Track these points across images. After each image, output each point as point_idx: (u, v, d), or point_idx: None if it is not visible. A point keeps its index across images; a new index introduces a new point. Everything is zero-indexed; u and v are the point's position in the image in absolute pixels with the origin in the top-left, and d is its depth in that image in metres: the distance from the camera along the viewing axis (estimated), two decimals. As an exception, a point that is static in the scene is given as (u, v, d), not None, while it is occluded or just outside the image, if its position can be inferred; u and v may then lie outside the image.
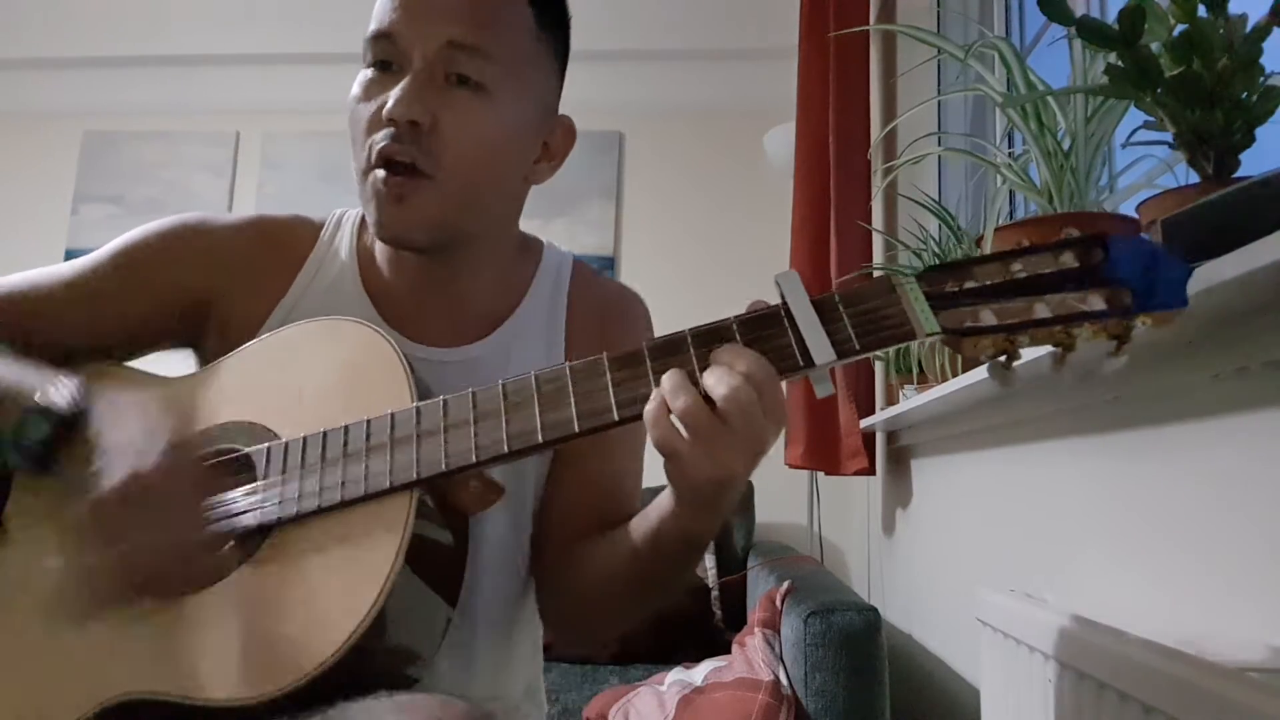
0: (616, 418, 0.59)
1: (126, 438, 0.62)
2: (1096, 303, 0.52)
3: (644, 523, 0.68)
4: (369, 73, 0.72)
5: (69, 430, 0.64)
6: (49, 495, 0.70)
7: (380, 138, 0.69)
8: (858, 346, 0.56)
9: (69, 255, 0.80)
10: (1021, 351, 0.56)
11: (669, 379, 0.56)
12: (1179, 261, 0.53)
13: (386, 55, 0.71)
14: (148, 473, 0.59)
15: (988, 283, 0.55)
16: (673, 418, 0.55)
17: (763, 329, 0.58)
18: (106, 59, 3.19)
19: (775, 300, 0.59)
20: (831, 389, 0.57)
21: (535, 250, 0.87)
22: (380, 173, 0.70)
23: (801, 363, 0.56)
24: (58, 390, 0.65)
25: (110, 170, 3.20)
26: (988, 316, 0.54)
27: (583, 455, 0.80)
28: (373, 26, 0.71)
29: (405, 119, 0.68)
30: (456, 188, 0.71)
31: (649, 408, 0.56)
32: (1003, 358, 0.55)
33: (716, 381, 0.55)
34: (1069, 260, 0.54)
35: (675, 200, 2.97)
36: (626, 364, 0.60)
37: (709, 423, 0.54)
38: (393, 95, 0.68)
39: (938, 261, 1.04)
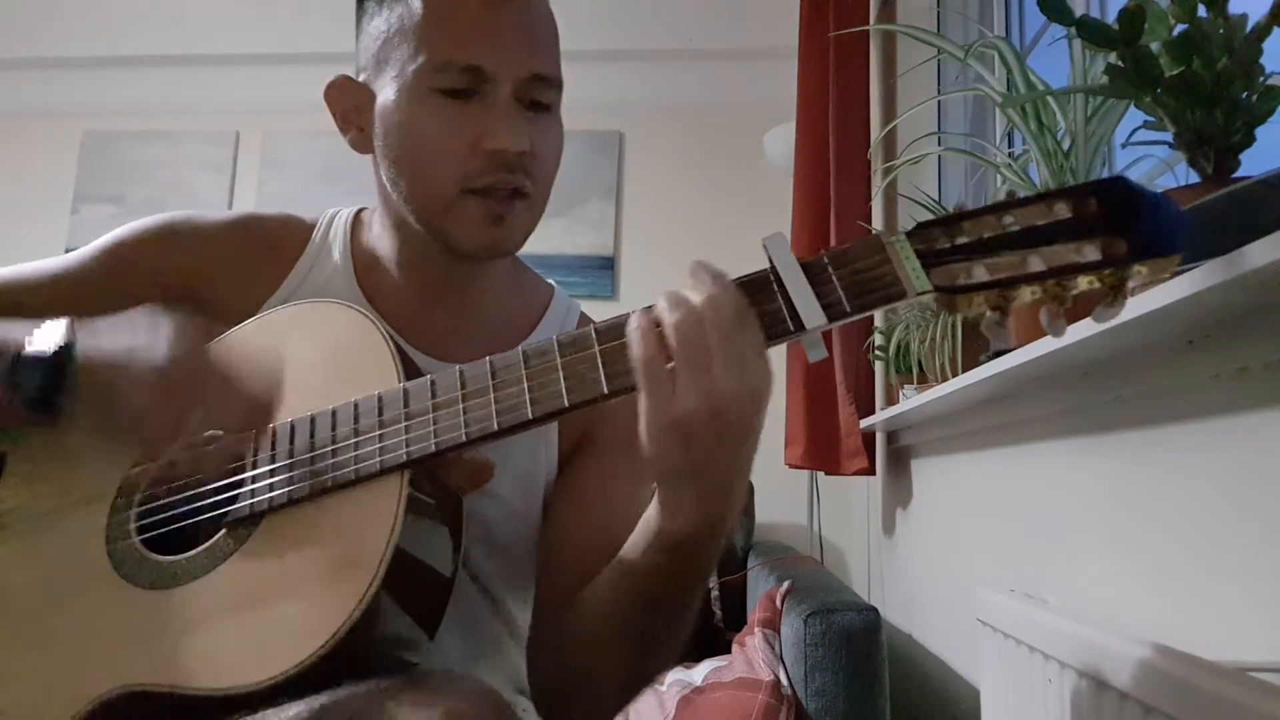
0: (606, 390, 0.58)
1: (133, 353, 0.61)
2: (1091, 253, 0.51)
3: (627, 545, 0.65)
4: (444, 100, 0.70)
5: (64, 370, 0.62)
6: (45, 477, 0.70)
7: (487, 168, 0.70)
8: (848, 308, 0.55)
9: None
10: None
11: (663, 296, 0.57)
12: (1172, 206, 0.51)
13: (468, 84, 0.70)
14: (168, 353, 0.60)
15: (979, 237, 0.53)
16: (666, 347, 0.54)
17: (751, 294, 0.57)
18: (106, 59, 3.19)
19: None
20: (824, 353, 0.56)
21: (546, 292, 0.87)
22: (477, 199, 0.71)
23: (792, 327, 0.56)
24: (42, 337, 0.63)
25: (110, 170, 3.21)
26: (980, 272, 0.53)
27: (584, 495, 0.78)
28: (452, 55, 0.69)
29: (518, 150, 0.70)
30: (542, 201, 0.75)
31: (640, 319, 0.56)
32: (996, 314, 0.54)
33: (692, 290, 0.56)
34: (1062, 211, 0.52)
35: (675, 200, 2.97)
36: (615, 335, 0.59)
37: (696, 336, 0.54)
38: (503, 129, 0.69)
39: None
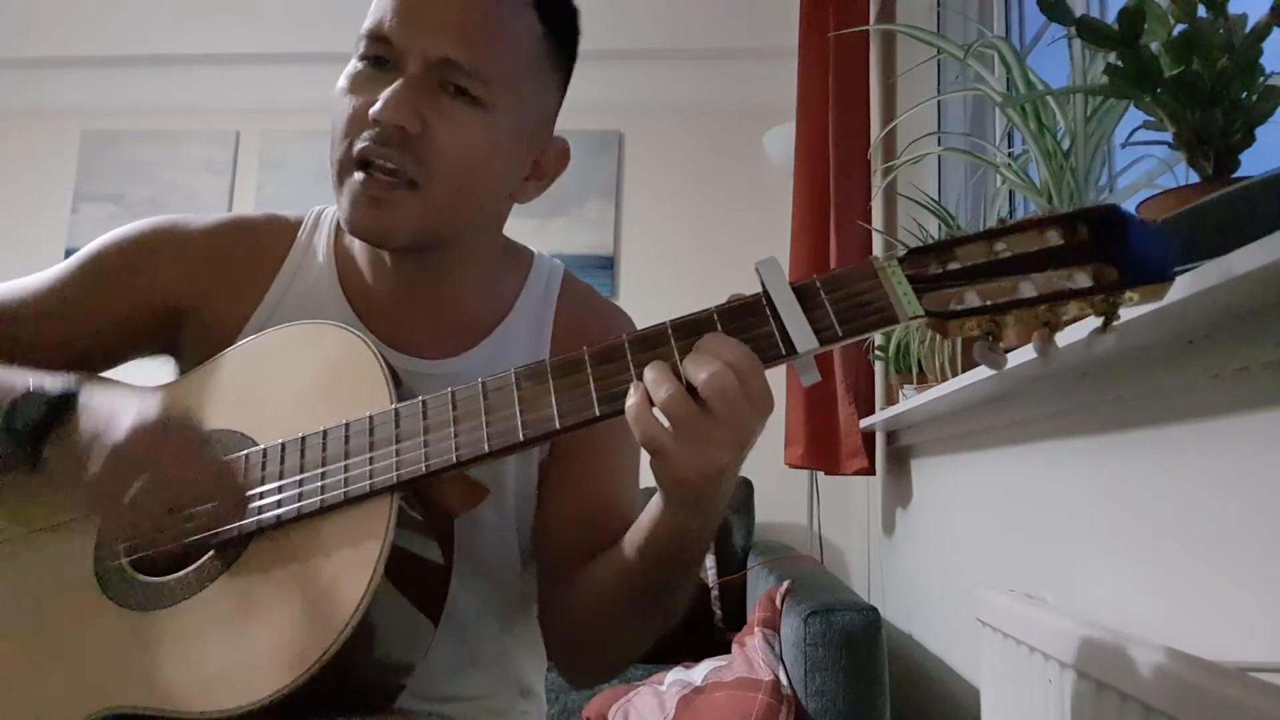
0: (598, 413, 0.58)
1: (123, 415, 0.61)
2: (1082, 280, 0.51)
3: (636, 531, 0.67)
4: (359, 65, 0.70)
5: (61, 417, 0.63)
6: (32, 502, 0.69)
7: (364, 138, 0.67)
8: (840, 333, 0.55)
9: (69, 255, 0.79)
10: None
11: (650, 371, 0.55)
12: (1163, 234, 0.52)
13: (380, 53, 0.69)
14: (153, 429, 0.59)
15: (971, 263, 0.54)
16: (656, 411, 0.54)
17: (744, 318, 0.57)
18: (106, 59, 3.19)
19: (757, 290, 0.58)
20: (817, 377, 0.57)
21: (525, 260, 0.84)
22: (359, 175, 0.68)
23: (784, 351, 0.56)
24: (48, 379, 0.64)
25: (110, 170, 3.20)
26: (972, 298, 0.53)
27: (576, 467, 0.78)
28: (370, 23, 0.69)
29: (393, 123, 0.66)
30: (440, 197, 0.69)
31: (631, 402, 0.55)
32: (989, 339, 0.54)
33: (697, 368, 0.54)
34: (1054, 238, 0.53)
35: (675, 200, 2.97)
36: (607, 358, 0.59)
37: (692, 414, 0.54)
38: (382, 96, 0.66)
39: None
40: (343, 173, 0.70)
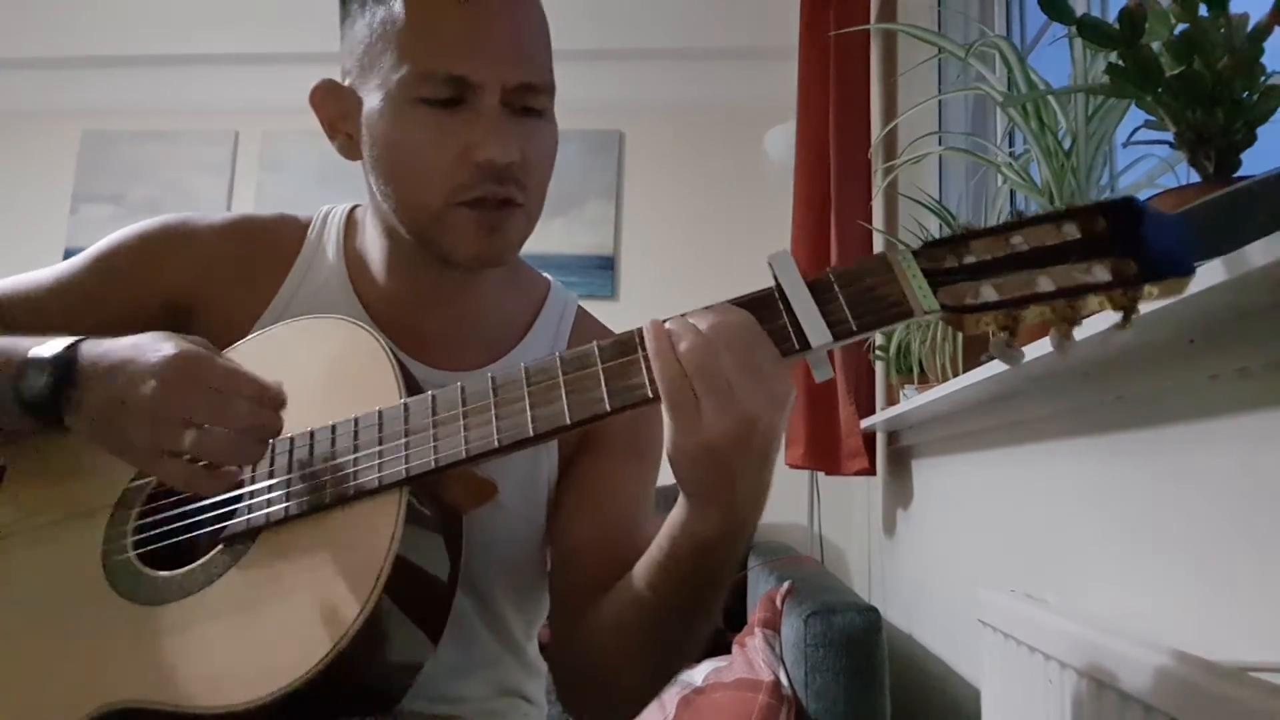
0: (608, 407, 0.57)
1: (134, 358, 0.60)
2: (1101, 274, 0.50)
3: (656, 546, 0.66)
4: (429, 110, 0.68)
5: (69, 379, 0.62)
6: (44, 489, 0.69)
7: (476, 181, 0.68)
8: (854, 327, 0.54)
9: (68, 255, 0.80)
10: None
11: (673, 322, 0.56)
12: (1182, 226, 0.51)
13: (453, 94, 0.68)
14: (174, 365, 0.59)
15: (988, 257, 0.53)
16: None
17: (756, 311, 0.57)
18: (106, 59, 3.19)
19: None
20: (831, 372, 0.56)
21: (542, 286, 0.86)
22: (469, 210, 0.69)
23: (797, 345, 0.55)
24: (43, 346, 0.64)
25: (110, 170, 3.21)
26: (988, 292, 0.52)
27: (593, 492, 0.78)
28: (436, 64, 0.67)
29: (507, 160, 0.68)
30: (535, 207, 0.74)
31: (654, 346, 0.55)
32: (1005, 334, 0.53)
33: (699, 319, 0.55)
34: (1071, 231, 0.52)
35: (675, 200, 2.97)
36: (618, 352, 0.58)
37: (711, 361, 0.53)
38: (492, 141, 0.67)
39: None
40: (444, 213, 0.70)
